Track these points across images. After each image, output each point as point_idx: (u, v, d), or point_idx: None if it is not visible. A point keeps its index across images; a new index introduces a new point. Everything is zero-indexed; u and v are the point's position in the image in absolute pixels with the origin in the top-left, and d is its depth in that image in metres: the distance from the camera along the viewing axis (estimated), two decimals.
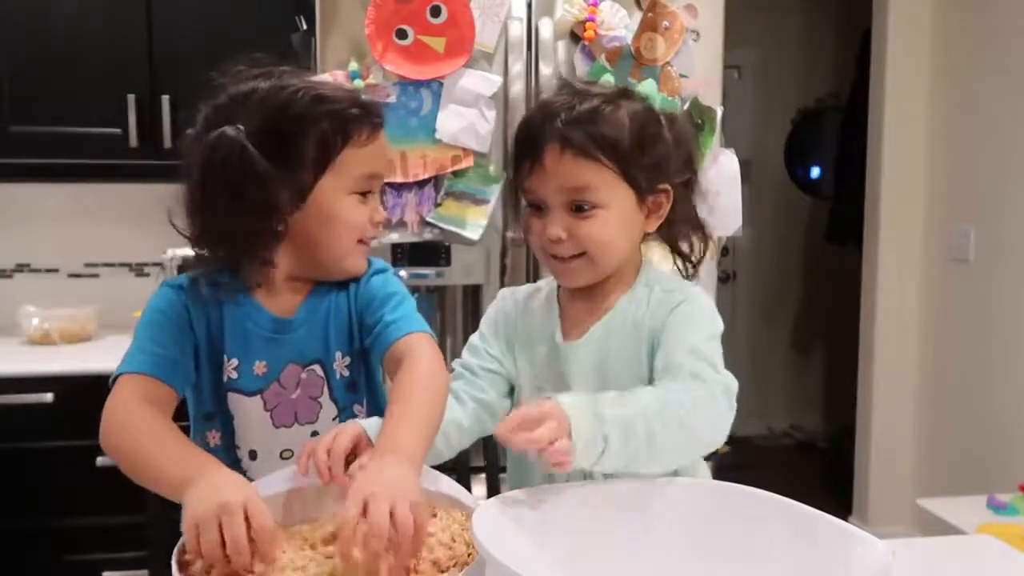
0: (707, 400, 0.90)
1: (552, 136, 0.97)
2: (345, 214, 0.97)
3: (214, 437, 1.02)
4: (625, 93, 1.02)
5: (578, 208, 0.98)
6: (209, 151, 0.89)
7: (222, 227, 0.92)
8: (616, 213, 0.99)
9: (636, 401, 0.85)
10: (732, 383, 0.93)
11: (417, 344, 0.95)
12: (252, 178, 0.88)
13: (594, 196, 0.97)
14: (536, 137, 0.98)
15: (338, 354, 1.02)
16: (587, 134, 0.96)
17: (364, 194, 0.98)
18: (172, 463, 0.80)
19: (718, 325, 1.00)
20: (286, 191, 0.92)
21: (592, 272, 1.02)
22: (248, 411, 1.00)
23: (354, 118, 0.95)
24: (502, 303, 1.14)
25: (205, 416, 1.01)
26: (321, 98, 0.94)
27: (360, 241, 1.00)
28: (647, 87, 1.06)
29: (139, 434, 0.84)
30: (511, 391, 1.11)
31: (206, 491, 0.72)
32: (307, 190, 0.94)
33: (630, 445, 0.82)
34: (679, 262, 1.11)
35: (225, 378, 0.99)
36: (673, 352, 0.95)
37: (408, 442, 0.82)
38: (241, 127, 0.89)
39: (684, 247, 1.09)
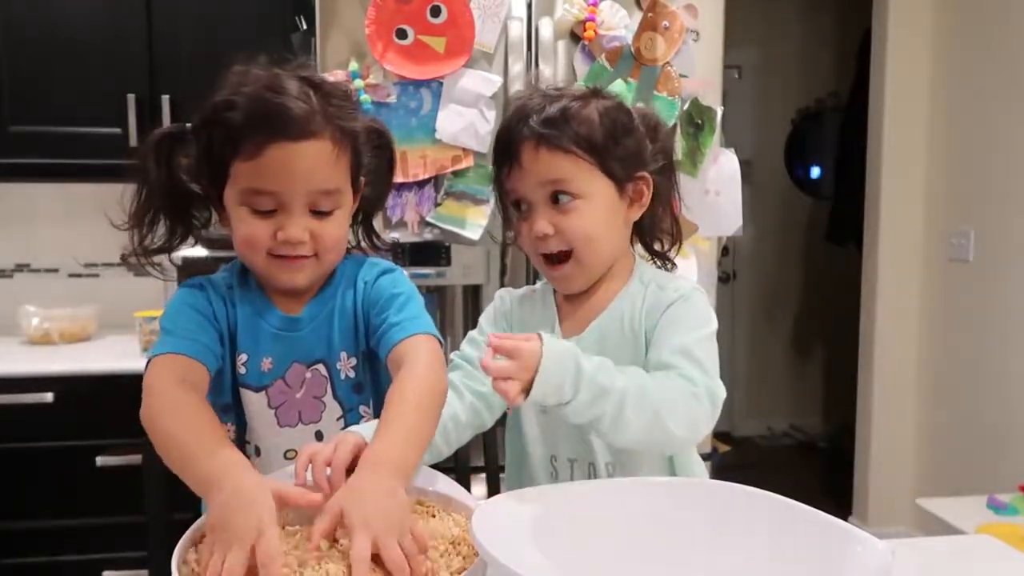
0: (690, 399, 0.90)
1: (526, 135, 1.00)
2: (236, 225, 0.94)
3: (229, 430, 1.03)
4: (596, 93, 1.06)
5: (559, 200, 1.00)
6: (143, 146, 0.96)
7: (151, 212, 0.98)
8: (598, 204, 1.01)
9: (622, 376, 0.88)
10: (719, 390, 0.93)
11: (417, 348, 0.94)
12: (163, 172, 0.96)
13: (572, 187, 1.00)
14: (512, 138, 1.02)
15: (343, 354, 1.02)
16: (559, 129, 0.99)
17: (258, 209, 0.92)
18: (202, 455, 0.79)
19: (711, 325, 1.00)
20: (212, 193, 0.96)
21: (582, 273, 1.04)
22: (254, 407, 1.01)
23: (240, 128, 0.90)
24: (500, 302, 1.15)
25: (223, 408, 1.02)
26: (228, 104, 0.91)
27: (276, 256, 0.94)
28: (617, 87, 1.09)
29: (173, 418, 0.83)
30: None
31: (225, 507, 0.71)
32: (220, 197, 0.95)
33: (594, 408, 0.86)
34: (656, 261, 1.13)
35: (236, 372, 1.01)
36: (664, 352, 0.96)
37: (396, 452, 0.80)
38: (186, 126, 0.95)
39: (657, 246, 1.12)
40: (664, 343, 0.97)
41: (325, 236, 0.95)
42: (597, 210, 1.01)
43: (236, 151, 0.90)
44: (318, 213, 0.94)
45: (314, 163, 0.92)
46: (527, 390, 0.83)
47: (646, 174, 1.04)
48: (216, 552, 0.68)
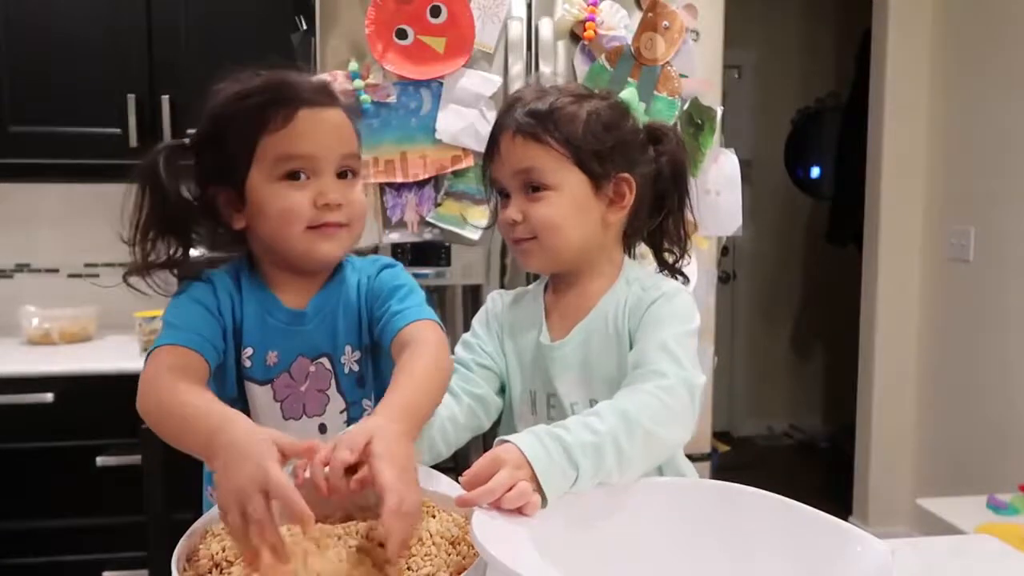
0: (669, 403, 0.89)
1: (508, 124, 1.02)
2: (271, 203, 0.95)
3: None
4: (595, 94, 1.06)
5: (531, 190, 1.02)
6: (144, 163, 0.96)
7: (157, 230, 0.97)
8: (567, 196, 1.01)
9: (601, 423, 0.84)
10: (696, 379, 0.93)
11: (423, 330, 0.95)
12: (170, 188, 0.95)
13: (543, 177, 1.01)
14: (497, 127, 1.05)
15: (347, 348, 1.03)
16: (539, 120, 1.00)
17: (294, 178, 0.95)
18: (198, 417, 0.79)
19: (693, 322, 1.00)
20: (225, 192, 0.97)
21: (544, 256, 1.04)
22: (260, 400, 1.02)
23: (265, 104, 0.94)
24: (492, 304, 1.16)
25: (228, 402, 1.02)
26: (241, 94, 0.95)
27: (312, 227, 0.96)
28: (628, 95, 1.08)
29: (169, 393, 0.84)
30: (503, 389, 1.12)
31: (227, 468, 0.71)
32: (241, 188, 0.96)
33: (602, 469, 0.81)
34: (665, 271, 1.13)
35: (241, 366, 1.01)
36: (643, 348, 0.96)
37: (402, 398, 0.82)
38: (186, 140, 0.96)
39: (668, 257, 1.13)
40: (644, 340, 0.97)
41: (355, 202, 0.99)
42: (565, 202, 1.01)
43: (264, 126, 0.93)
44: (345, 179, 0.98)
45: (340, 125, 0.98)
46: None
47: (628, 175, 1.03)
48: (231, 514, 0.68)
